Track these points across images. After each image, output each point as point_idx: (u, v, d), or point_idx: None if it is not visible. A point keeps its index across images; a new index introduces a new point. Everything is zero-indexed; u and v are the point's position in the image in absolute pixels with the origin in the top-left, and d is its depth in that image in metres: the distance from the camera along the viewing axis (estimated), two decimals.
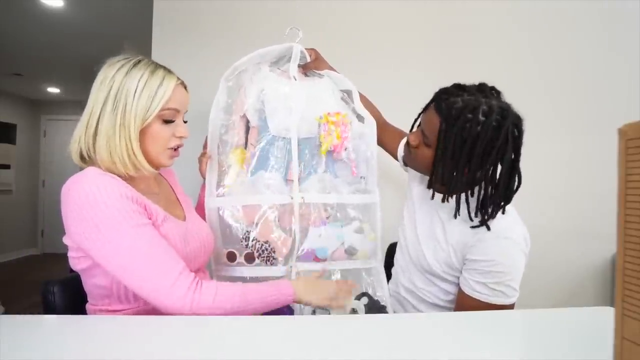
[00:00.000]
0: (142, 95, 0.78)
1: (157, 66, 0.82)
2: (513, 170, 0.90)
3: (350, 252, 1.10)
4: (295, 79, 1.11)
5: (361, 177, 1.15)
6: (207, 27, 1.67)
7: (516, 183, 0.91)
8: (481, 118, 0.83)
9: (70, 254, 0.78)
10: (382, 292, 1.12)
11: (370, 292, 1.11)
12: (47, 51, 3.47)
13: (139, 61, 0.81)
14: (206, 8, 1.66)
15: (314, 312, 1.03)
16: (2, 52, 3.53)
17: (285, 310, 1.02)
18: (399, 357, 0.56)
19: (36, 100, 5.57)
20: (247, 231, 1.05)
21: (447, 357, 0.56)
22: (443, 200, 0.95)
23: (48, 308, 0.83)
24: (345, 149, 1.11)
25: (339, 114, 1.09)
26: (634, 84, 1.67)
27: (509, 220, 0.93)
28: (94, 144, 0.78)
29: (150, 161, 0.83)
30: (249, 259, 1.05)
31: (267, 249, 1.05)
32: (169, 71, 0.83)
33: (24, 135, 5.45)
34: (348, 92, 1.18)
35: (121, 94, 0.77)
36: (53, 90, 5.00)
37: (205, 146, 1.11)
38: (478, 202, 0.92)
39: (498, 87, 0.93)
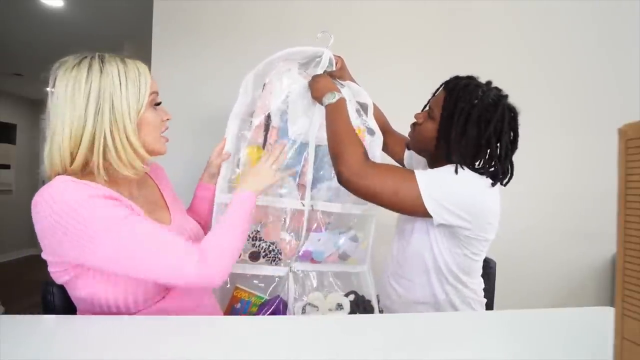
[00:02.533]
0: (128, 88, 0.76)
1: (121, 57, 0.80)
2: (508, 153, 0.95)
3: (343, 257, 1.14)
4: None
5: None
6: (207, 27, 1.67)
7: (509, 173, 0.97)
8: (479, 94, 0.94)
9: (50, 268, 0.75)
10: (368, 290, 1.16)
11: (356, 289, 1.15)
12: (47, 51, 3.47)
13: (101, 56, 0.77)
14: (206, 8, 1.66)
15: (303, 311, 1.05)
16: (2, 52, 3.53)
17: (279, 309, 1.03)
18: (397, 357, 0.56)
19: (36, 100, 5.57)
20: (256, 230, 1.07)
21: (446, 357, 0.56)
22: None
23: (47, 308, 0.83)
24: None
25: (358, 129, 1.12)
26: (634, 84, 1.67)
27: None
28: (76, 154, 0.74)
29: (149, 152, 0.82)
30: (254, 257, 1.07)
31: (273, 250, 1.07)
32: (133, 59, 0.82)
33: (24, 135, 5.44)
34: (363, 105, 1.18)
35: (104, 93, 0.74)
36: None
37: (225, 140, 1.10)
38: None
39: (498, 87, 0.99)
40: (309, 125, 1.09)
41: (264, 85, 1.13)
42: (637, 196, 0.32)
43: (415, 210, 0.92)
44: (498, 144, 0.95)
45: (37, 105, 5.62)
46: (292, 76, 1.12)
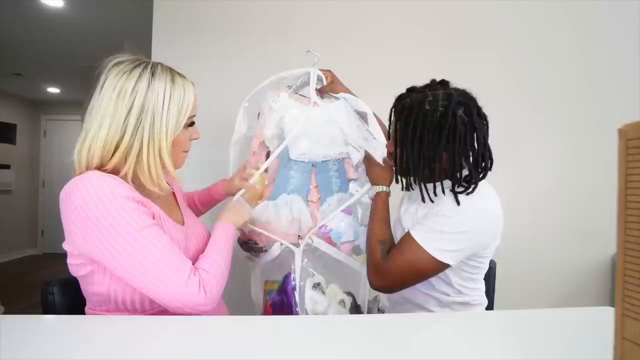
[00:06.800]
0: (170, 108, 0.77)
1: (172, 72, 0.80)
2: (479, 148, 0.91)
3: (356, 252, 1.15)
4: (317, 104, 1.15)
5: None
6: (206, 27, 1.67)
7: (488, 160, 0.93)
8: (427, 108, 0.91)
9: (69, 260, 0.76)
10: (363, 292, 1.18)
11: (352, 292, 1.17)
12: (47, 51, 3.47)
13: (153, 67, 0.78)
14: (206, 9, 1.66)
15: (314, 287, 1.08)
16: (2, 52, 3.53)
17: (288, 309, 1.04)
18: (397, 357, 0.56)
19: (36, 100, 5.57)
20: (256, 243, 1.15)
21: (446, 357, 0.56)
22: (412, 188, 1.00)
23: (47, 308, 0.83)
24: (358, 169, 1.17)
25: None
26: (633, 84, 1.67)
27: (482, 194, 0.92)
28: (110, 159, 0.75)
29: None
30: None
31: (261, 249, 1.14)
32: (182, 76, 0.82)
33: (24, 135, 5.44)
34: (362, 114, 1.18)
35: (147, 109, 0.75)
36: (53, 90, 5.00)
37: (244, 167, 1.17)
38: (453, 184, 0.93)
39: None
40: (306, 144, 1.12)
41: (258, 114, 1.18)
42: (637, 196, 0.32)
43: (438, 270, 0.91)
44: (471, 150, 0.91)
45: (37, 105, 5.63)
46: (282, 102, 1.14)
